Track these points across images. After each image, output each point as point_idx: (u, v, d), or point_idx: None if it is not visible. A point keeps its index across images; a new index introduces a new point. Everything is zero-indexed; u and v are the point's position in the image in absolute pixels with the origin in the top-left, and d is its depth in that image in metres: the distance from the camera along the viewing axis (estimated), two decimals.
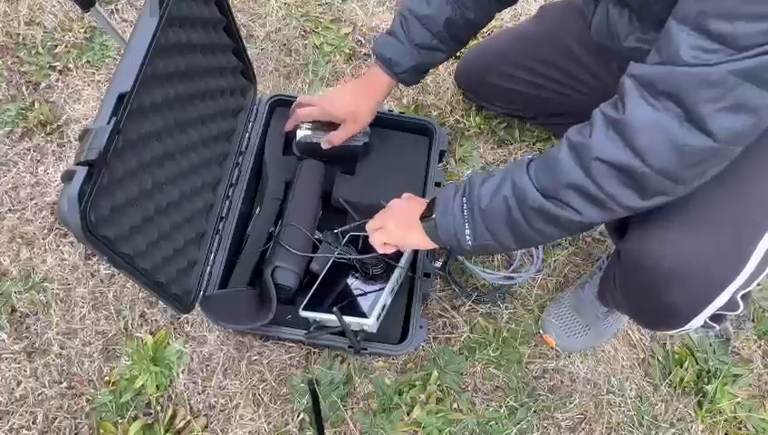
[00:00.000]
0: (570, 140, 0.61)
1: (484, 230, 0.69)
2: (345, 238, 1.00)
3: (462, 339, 1.04)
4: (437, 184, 1.05)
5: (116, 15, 1.34)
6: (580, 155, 0.59)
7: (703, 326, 0.73)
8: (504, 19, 1.44)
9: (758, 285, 0.67)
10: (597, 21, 0.85)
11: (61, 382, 0.96)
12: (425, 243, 0.78)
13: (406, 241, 0.82)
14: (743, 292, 0.67)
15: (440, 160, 1.10)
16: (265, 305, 0.89)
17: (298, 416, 0.96)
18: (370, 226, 0.86)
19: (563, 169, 0.61)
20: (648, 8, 0.72)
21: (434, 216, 0.73)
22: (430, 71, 0.99)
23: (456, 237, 0.71)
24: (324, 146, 1.01)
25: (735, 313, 0.71)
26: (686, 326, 0.73)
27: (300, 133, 1.03)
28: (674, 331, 0.78)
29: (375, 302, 0.86)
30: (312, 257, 0.97)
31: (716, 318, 0.72)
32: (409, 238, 0.80)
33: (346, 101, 0.97)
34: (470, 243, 0.71)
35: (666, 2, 0.56)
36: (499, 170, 0.70)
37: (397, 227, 0.81)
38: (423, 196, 1.04)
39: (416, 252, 0.97)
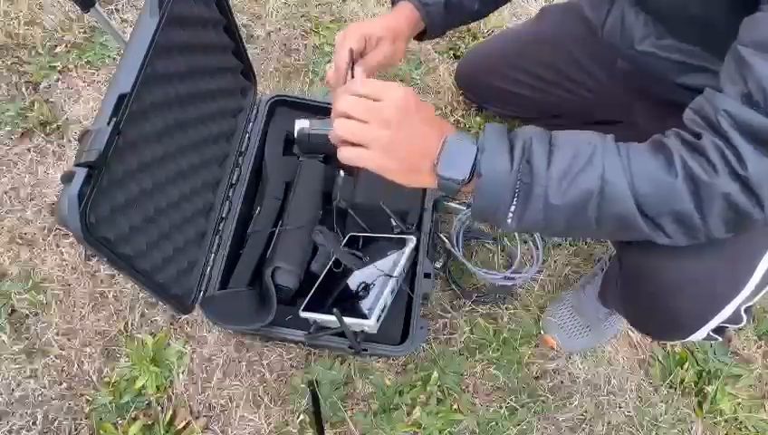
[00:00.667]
0: (690, 170, 0.54)
1: (537, 218, 0.57)
2: (345, 239, 1.00)
3: (462, 339, 1.04)
4: None
5: (116, 15, 1.34)
6: (700, 189, 0.54)
7: (705, 338, 0.72)
8: (505, 19, 1.44)
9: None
10: (611, 23, 0.83)
11: (61, 383, 0.96)
12: (431, 185, 0.60)
13: (399, 181, 0.60)
14: (746, 305, 0.66)
15: None
16: (265, 306, 0.89)
17: (298, 417, 0.96)
18: (350, 132, 0.58)
19: (677, 195, 0.54)
20: (674, 13, 0.70)
21: (472, 180, 0.57)
22: (434, 68, 0.96)
23: (495, 213, 0.58)
24: (360, 73, 0.76)
25: (739, 326, 0.70)
26: (689, 338, 0.72)
27: (299, 125, 1.02)
28: (676, 341, 0.77)
29: (375, 303, 0.86)
30: (312, 258, 0.97)
31: (719, 330, 0.71)
32: (407, 182, 0.60)
33: (382, 19, 0.81)
34: (509, 222, 0.58)
35: (699, 6, 0.54)
36: (567, 141, 0.57)
37: (393, 164, 0.58)
38: (422, 197, 1.03)
39: (415, 253, 0.97)
